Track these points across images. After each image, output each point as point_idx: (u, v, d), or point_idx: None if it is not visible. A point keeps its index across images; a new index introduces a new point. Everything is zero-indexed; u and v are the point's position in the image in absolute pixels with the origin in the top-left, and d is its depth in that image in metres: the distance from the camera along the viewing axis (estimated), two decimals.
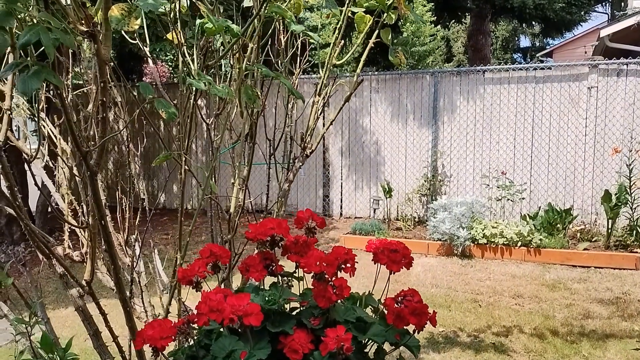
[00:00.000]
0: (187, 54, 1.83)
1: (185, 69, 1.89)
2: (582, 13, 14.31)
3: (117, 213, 2.47)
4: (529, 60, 28.20)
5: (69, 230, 2.44)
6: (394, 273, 1.53)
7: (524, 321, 4.48)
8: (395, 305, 1.38)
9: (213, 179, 2.06)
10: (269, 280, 1.59)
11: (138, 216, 2.60)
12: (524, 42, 34.62)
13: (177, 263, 2.28)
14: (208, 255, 1.60)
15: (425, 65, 21.90)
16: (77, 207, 2.42)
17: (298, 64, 2.62)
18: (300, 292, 1.61)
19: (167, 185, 9.86)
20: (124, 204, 2.61)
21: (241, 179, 2.36)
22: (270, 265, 1.51)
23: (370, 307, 1.64)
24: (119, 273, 1.86)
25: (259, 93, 1.82)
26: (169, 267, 6.28)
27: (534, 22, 14.81)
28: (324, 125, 2.42)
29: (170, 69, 11.64)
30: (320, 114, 2.49)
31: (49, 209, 8.25)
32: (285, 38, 2.47)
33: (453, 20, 18.89)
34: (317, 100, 2.51)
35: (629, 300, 4.90)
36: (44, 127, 2.36)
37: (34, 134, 4.86)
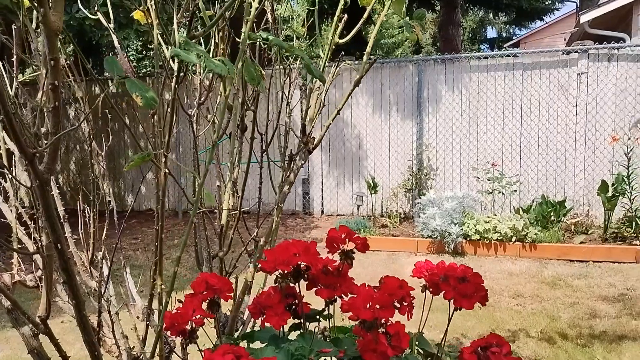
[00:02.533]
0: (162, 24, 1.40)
1: (161, 40, 1.46)
2: (556, 2, 14.30)
3: (79, 227, 2.02)
4: (496, 50, 28.26)
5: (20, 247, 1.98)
6: (460, 309, 1.14)
7: (528, 323, 4.18)
8: None
9: (197, 182, 1.64)
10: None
11: (105, 227, 2.14)
12: (491, 33, 34.78)
13: (159, 297, 1.85)
14: (204, 290, 1.18)
15: (395, 57, 21.71)
16: (30, 222, 1.96)
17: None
18: (330, 334, 1.21)
19: (135, 186, 9.30)
20: (87, 214, 2.16)
21: (231, 182, 1.94)
22: (293, 304, 1.10)
23: (417, 350, 1.25)
24: (83, 310, 1.44)
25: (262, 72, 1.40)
26: (138, 274, 5.75)
27: (507, 12, 14.70)
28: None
29: (135, 62, 11.04)
30: (322, 102, 2.08)
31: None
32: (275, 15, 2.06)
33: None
34: (318, 85, 2.11)
35: (635, 296, 4.65)
36: None
37: None
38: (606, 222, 5.95)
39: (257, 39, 1.21)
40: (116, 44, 2.01)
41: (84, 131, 2.11)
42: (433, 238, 6.09)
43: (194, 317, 1.10)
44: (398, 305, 1.04)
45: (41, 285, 1.94)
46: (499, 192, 6.69)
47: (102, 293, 1.95)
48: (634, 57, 6.46)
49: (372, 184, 7.08)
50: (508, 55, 7.14)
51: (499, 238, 5.90)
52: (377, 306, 0.98)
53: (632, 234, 5.76)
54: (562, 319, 4.24)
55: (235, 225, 1.73)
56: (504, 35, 32.32)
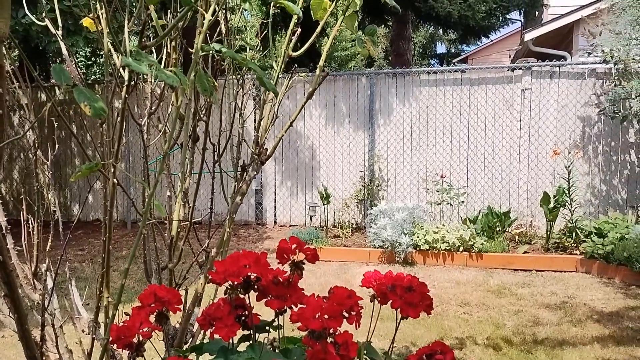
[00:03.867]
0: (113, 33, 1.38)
1: (112, 49, 1.45)
2: (500, 21, 14.88)
3: (23, 238, 1.95)
4: (445, 65, 28.99)
5: None
6: (407, 318, 1.18)
7: (475, 331, 4.29)
8: None
9: (147, 192, 1.62)
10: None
11: (50, 238, 2.07)
12: (440, 48, 35.67)
13: (106, 310, 1.81)
14: (152, 302, 1.17)
15: (348, 70, 21.98)
16: None
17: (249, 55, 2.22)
18: (280, 345, 1.22)
19: (82, 196, 9.03)
20: (31, 225, 2.09)
21: (182, 193, 1.93)
22: (242, 316, 1.11)
23: (365, 358, 1.28)
24: (25, 324, 1.39)
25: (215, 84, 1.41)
26: (85, 287, 5.60)
27: (455, 30, 15.17)
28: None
29: (84, 69, 10.74)
30: (276, 113, 2.10)
31: None
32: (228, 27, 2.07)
33: (376, 25, 18.94)
34: (271, 97, 2.13)
35: (575, 304, 4.85)
36: None
37: None
38: (548, 233, 6.20)
39: (209, 51, 1.22)
40: (64, 50, 1.97)
41: (28, 139, 2.05)
42: (384, 248, 6.18)
43: (141, 330, 1.09)
44: (347, 315, 1.06)
45: None
46: (447, 203, 6.87)
47: (46, 306, 1.89)
48: (574, 75, 6.80)
49: (325, 195, 7.13)
50: (456, 71, 7.38)
51: (447, 248, 6.04)
52: (326, 316, 0.99)
53: (573, 244, 6.02)
54: (507, 327, 4.37)
55: (185, 236, 1.72)
56: (453, 50, 33.19)
